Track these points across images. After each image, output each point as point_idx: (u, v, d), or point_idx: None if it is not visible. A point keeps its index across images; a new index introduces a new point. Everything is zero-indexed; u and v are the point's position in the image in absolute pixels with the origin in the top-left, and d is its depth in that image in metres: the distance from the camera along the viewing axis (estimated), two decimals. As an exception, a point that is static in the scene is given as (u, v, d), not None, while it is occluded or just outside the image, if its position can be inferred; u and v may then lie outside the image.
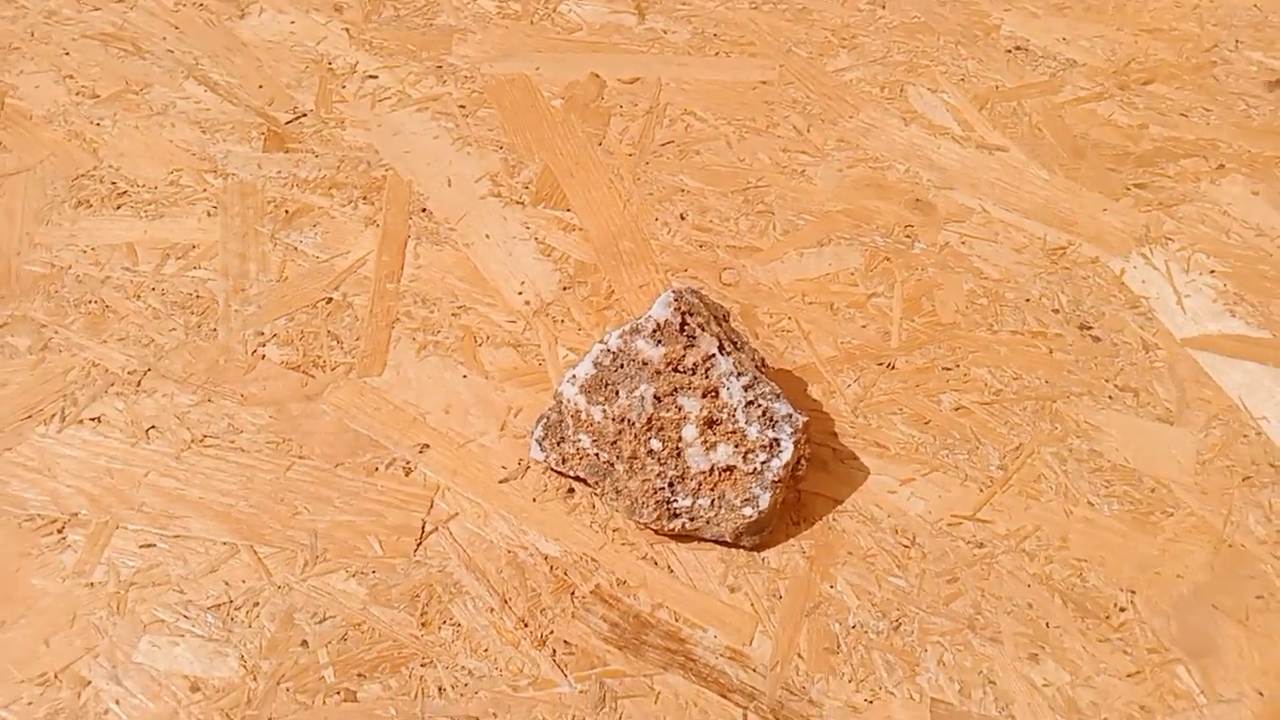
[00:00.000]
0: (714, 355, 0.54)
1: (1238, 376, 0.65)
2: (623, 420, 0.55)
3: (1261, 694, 0.52)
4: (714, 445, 0.54)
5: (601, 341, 0.56)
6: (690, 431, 0.54)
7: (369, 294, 0.66)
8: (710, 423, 0.54)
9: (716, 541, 0.56)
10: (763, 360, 0.58)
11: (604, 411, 0.55)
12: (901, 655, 0.53)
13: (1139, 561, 0.57)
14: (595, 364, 0.56)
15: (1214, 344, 0.67)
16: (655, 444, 0.55)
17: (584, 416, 0.56)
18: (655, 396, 0.54)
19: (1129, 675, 0.53)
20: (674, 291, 0.55)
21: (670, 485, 0.55)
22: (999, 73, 0.84)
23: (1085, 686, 0.52)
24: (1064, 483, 0.60)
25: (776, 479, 0.54)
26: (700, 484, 0.55)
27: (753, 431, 0.54)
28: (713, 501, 0.54)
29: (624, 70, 0.82)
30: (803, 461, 0.57)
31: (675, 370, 0.54)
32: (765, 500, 0.54)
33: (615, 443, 0.55)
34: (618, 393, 0.55)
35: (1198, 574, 0.56)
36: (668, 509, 0.55)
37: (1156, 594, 0.56)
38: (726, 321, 0.58)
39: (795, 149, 0.77)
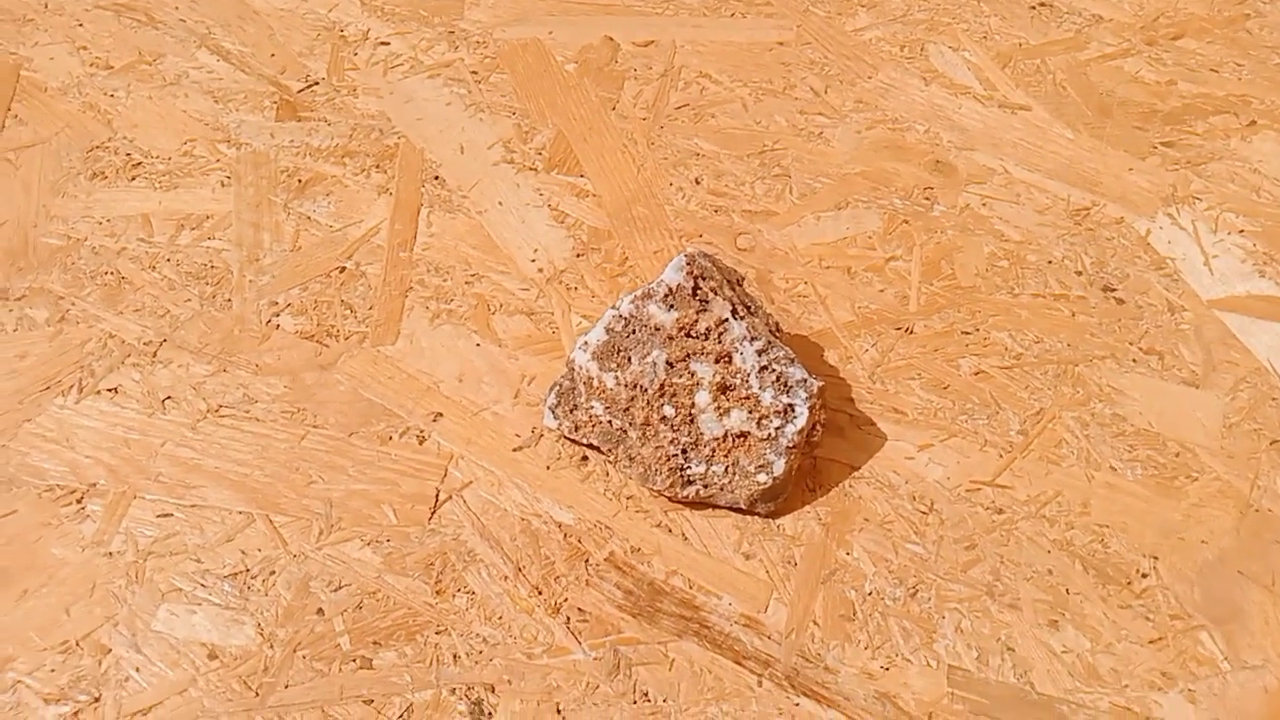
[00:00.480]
0: (727, 320, 0.54)
1: (1267, 338, 0.64)
2: (635, 386, 0.54)
3: (1287, 660, 0.51)
4: (727, 411, 0.54)
5: (613, 307, 0.55)
6: (703, 397, 0.54)
7: (382, 263, 0.66)
8: (723, 388, 0.54)
9: (731, 508, 0.55)
10: (777, 325, 0.58)
11: (616, 378, 0.55)
12: (918, 622, 0.52)
13: (1162, 527, 0.56)
14: (607, 330, 0.55)
15: (1242, 305, 0.65)
16: (668, 410, 0.54)
17: (596, 383, 0.55)
18: (668, 362, 0.54)
19: (1151, 642, 0.52)
20: (686, 255, 0.55)
21: (684, 452, 0.54)
22: (1023, 29, 0.82)
23: (1106, 653, 0.52)
24: (1086, 448, 0.59)
25: (791, 445, 0.54)
26: (714, 450, 0.54)
27: (766, 397, 0.54)
28: (726, 468, 0.54)
29: (638, 33, 0.81)
30: (818, 427, 0.56)
31: (688, 335, 0.54)
32: (780, 466, 0.53)
33: (628, 409, 0.55)
34: (630, 359, 0.54)
35: (1223, 539, 0.55)
36: (681, 476, 0.54)
37: (1180, 560, 0.55)
38: (740, 286, 0.57)
39: (812, 111, 0.76)
